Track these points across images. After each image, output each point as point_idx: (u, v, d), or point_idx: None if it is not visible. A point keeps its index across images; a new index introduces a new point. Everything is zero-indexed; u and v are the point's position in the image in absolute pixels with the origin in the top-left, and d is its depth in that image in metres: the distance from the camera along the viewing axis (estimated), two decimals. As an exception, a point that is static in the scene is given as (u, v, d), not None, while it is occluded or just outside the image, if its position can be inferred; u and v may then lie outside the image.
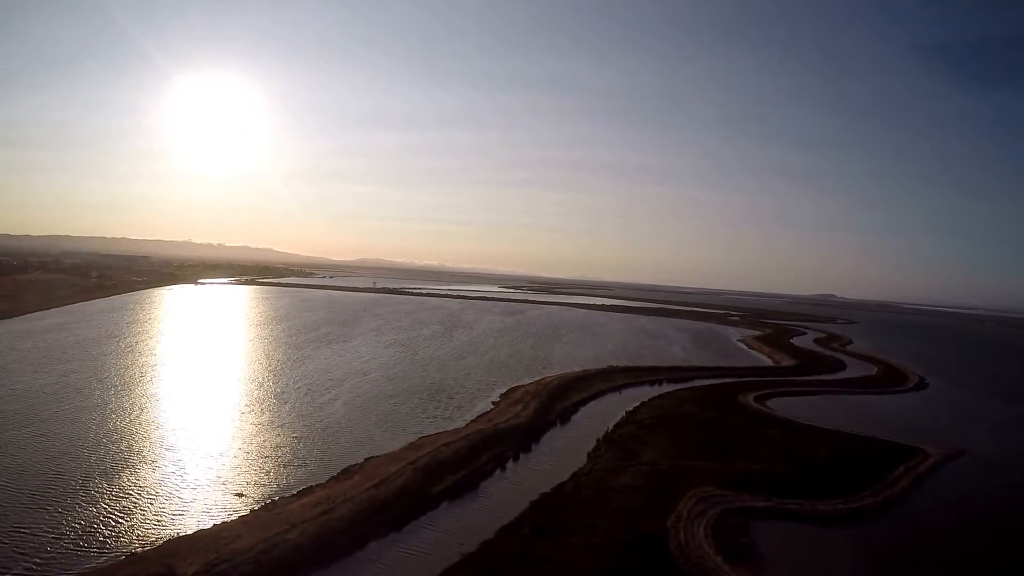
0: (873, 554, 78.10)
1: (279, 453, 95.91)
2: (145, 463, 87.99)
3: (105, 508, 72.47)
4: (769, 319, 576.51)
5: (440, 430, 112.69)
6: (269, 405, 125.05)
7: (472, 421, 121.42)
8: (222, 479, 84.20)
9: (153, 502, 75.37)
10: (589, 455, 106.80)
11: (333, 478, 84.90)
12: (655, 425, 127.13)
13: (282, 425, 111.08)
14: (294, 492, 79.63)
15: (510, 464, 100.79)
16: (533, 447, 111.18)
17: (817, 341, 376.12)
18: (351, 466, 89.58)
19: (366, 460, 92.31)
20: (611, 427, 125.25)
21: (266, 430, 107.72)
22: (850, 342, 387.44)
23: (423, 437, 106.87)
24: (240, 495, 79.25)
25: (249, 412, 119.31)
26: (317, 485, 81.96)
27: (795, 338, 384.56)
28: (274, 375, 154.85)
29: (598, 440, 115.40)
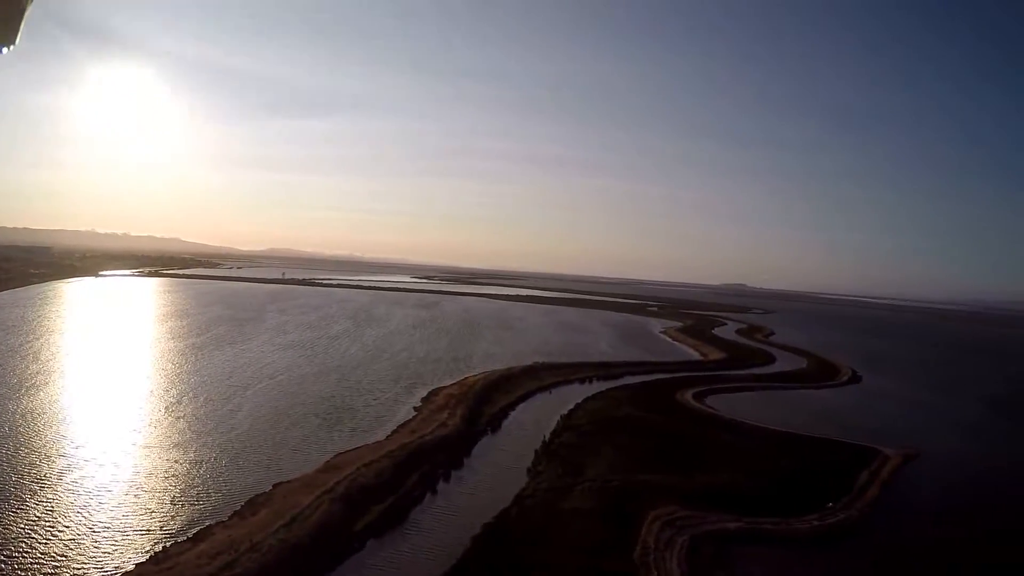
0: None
1: (172, 483, 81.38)
2: (3, 504, 72.65)
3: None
4: (687, 309, 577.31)
5: (359, 445, 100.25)
6: (161, 421, 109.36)
7: (394, 432, 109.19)
8: (100, 522, 69.39)
9: (7, 559, 60.70)
10: (529, 471, 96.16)
11: (237, 513, 71.60)
12: (596, 432, 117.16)
13: (176, 445, 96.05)
14: (190, 536, 66.02)
15: (442, 486, 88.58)
16: (465, 462, 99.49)
17: (740, 332, 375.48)
18: (258, 496, 76.59)
19: (275, 487, 79.39)
20: (548, 435, 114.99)
21: (156, 453, 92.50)
22: (772, 333, 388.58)
23: (340, 455, 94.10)
24: (121, 543, 65.01)
25: (137, 431, 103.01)
26: (218, 524, 68.60)
27: (717, 329, 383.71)
28: (168, 383, 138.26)
29: (536, 452, 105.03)
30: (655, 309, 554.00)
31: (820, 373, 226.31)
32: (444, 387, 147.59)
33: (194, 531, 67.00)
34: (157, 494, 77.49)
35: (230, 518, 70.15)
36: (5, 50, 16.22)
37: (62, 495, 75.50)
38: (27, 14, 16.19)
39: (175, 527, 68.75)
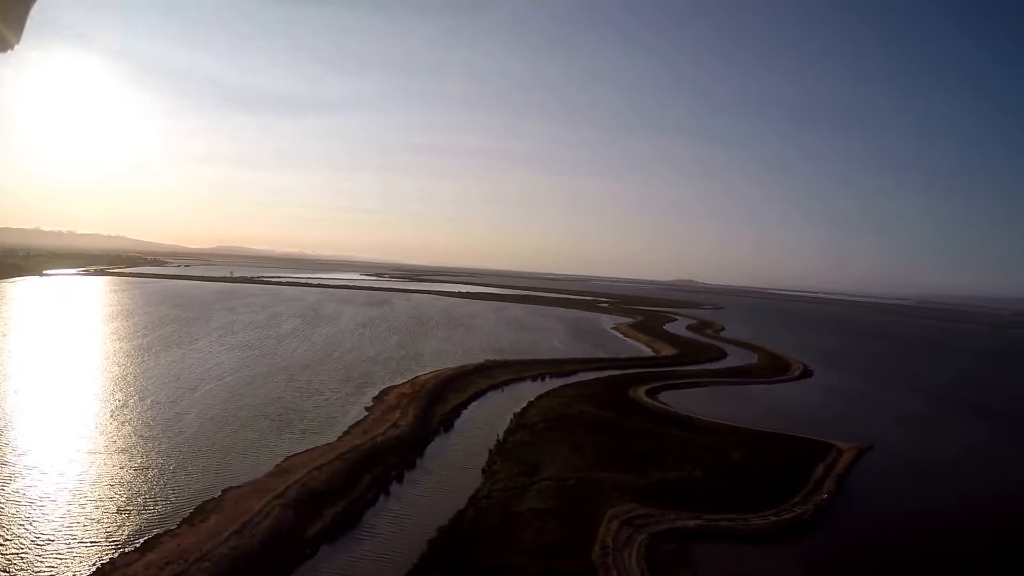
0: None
1: (118, 490, 79.10)
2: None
3: None
4: (638, 305, 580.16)
5: (310, 447, 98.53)
6: (107, 425, 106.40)
7: (345, 434, 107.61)
8: (44, 534, 67.14)
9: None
10: (484, 471, 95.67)
11: (186, 521, 69.73)
12: (550, 429, 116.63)
13: (122, 451, 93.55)
14: (137, 545, 64.15)
15: (395, 488, 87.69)
16: (418, 463, 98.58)
17: (691, 328, 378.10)
18: (207, 502, 74.71)
19: (224, 493, 77.50)
20: (502, 434, 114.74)
21: (102, 459, 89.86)
22: (723, 328, 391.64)
23: (291, 458, 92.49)
24: (67, 556, 62.96)
25: (82, 436, 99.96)
26: (166, 533, 66.65)
27: (668, 325, 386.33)
28: (113, 386, 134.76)
29: (490, 451, 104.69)
30: (606, 305, 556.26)
31: (772, 368, 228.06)
32: (395, 386, 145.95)
33: (142, 541, 65.04)
34: (103, 503, 75.26)
35: (179, 526, 68.32)
36: (10, 49, 15.66)
37: (4, 505, 73.02)
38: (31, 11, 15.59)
39: (122, 537, 66.77)
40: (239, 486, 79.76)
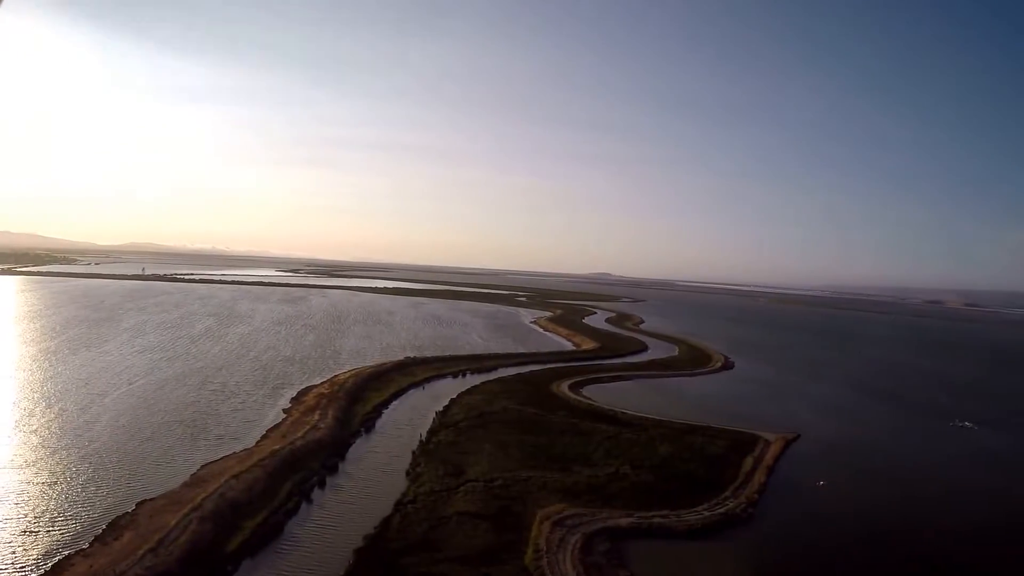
0: (765, 571, 71.76)
1: (25, 508, 74.66)
2: None
3: None
4: (556, 299, 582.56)
5: (227, 454, 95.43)
6: (11, 436, 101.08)
7: (263, 438, 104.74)
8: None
9: None
10: (408, 473, 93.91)
11: (98, 539, 66.22)
12: (474, 428, 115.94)
13: (28, 464, 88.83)
14: (47, 569, 60.42)
15: (318, 495, 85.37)
16: (340, 467, 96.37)
17: (610, 321, 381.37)
18: (120, 518, 71.27)
19: (138, 507, 74.16)
20: (425, 434, 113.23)
21: (7, 474, 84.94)
22: (642, 321, 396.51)
23: (207, 466, 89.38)
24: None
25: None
26: (78, 553, 63.03)
27: (587, 318, 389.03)
28: (18, 393, 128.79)
29: (414, 452, 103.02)
30: (524, 299, 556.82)
31: (693, 361, 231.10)
32: (314, 386, 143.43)
33: (51, 563, 61.42)
34: (8, 522, 70.81)
35: (91, 545, 64.77)
36: None
37: None
38: None
39: (29, 559, 62.90)
40: (153, 499, 76.38)
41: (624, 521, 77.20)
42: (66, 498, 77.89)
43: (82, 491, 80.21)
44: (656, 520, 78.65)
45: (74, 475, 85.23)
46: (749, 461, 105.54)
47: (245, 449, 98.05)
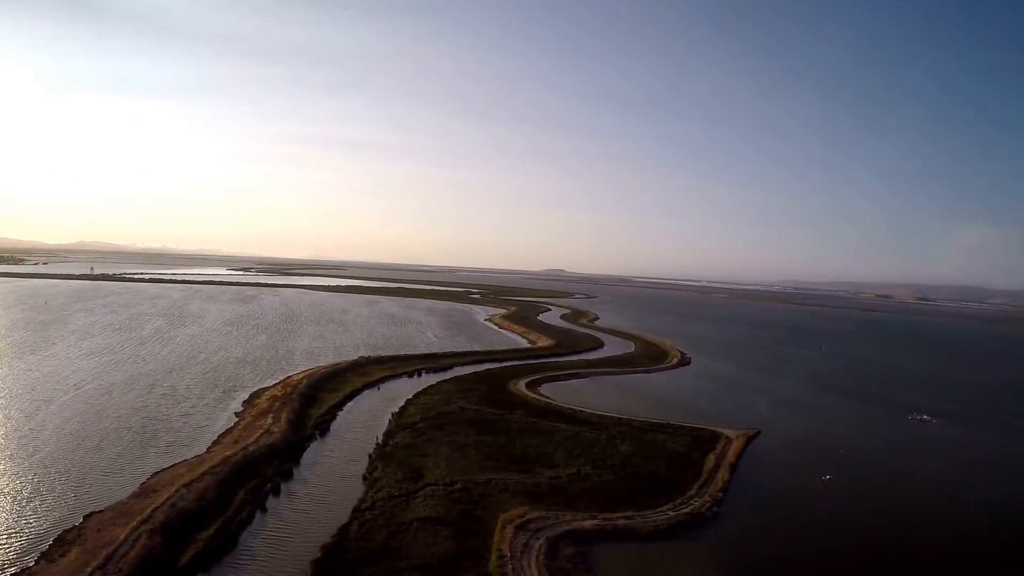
0: (733, 570, 70.85)
1: (-38, 522, 71.38)
2: None
3: None
4: (511, 296, 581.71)
5: (177, 461, 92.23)
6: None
7: (215, 444, 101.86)
8: None
9: None
10: (365, 478, 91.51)
11: (44, 556, 63.00)
12: (431, 429, 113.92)
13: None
14: (-14, 588, 57.40)
15: (272, 503, 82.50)
16: (295, 473, 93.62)
17: (565, 318, 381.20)
18: (67, 532, 68.03)
19: (86, 519, 70.97)
20: (381, 436, 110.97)
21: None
22: (597, 317, 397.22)
23: (157, 475, 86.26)
24: None
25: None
26: (22, 572, 59.77)
27: (542, 315, 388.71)
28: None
29: (371, 456, 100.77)
30: (478, 297, 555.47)
31: (650, 357, 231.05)
32: (266, 388, 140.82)
33: (-8, 582, 58.44)
34: (-58, 538, 67.56)
35: (36, 563, 61.55)
36: None
37: None
38: None
39: (-33, 577, 59.80)
40: (101, 511, 73.25)
41: (588, 523, 75.79)
42: (10, 512, 74.29)
43: (27, 504, 76.65)
44: (621, 522, 77.36)
45: (18, 487, 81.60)
46: (711, 459, 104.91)
47: (196, 456, 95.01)
